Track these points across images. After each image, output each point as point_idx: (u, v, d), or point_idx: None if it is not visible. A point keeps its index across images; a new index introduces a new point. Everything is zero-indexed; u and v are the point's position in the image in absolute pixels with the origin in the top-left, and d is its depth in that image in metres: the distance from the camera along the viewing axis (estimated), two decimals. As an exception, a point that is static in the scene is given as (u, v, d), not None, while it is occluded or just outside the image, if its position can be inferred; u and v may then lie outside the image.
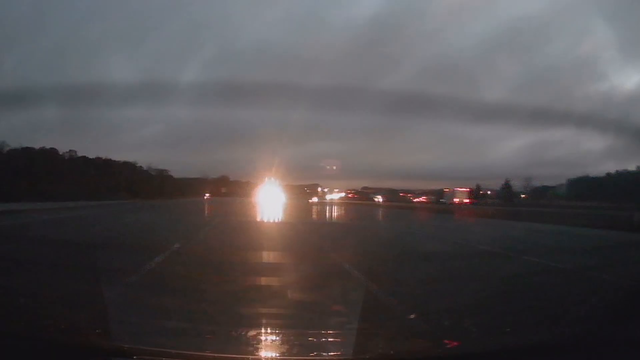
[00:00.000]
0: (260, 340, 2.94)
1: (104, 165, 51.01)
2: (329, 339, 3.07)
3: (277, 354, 2.74)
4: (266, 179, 33.34)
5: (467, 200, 42.72)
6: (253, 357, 2.61)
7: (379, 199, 53.35)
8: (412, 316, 4.66)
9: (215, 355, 2.55)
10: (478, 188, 47.27)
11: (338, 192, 58.01)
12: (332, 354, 2.67)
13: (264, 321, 4.27)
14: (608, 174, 44.69)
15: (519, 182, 46.16)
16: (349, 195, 58.61)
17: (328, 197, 55.16)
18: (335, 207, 43.53)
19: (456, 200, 44.71)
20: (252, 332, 3.12)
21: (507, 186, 44.79)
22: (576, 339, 2.86)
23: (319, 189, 54.92)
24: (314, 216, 29.53)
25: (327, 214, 33.47)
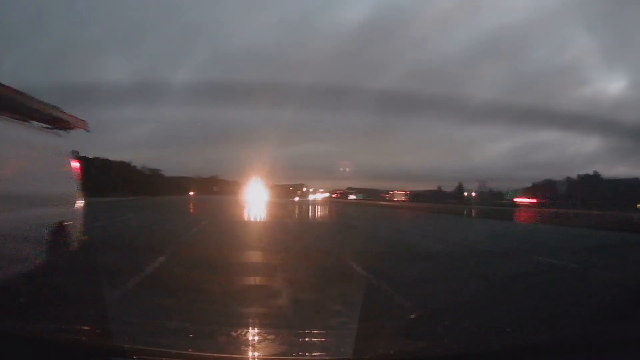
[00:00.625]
0: (260, 340, 2.94)
1: (102, 165, 51.86)
2: (329, 339, 3.07)
3: (277, 354, 2.74)
4: (253, 178, 34.67)
5: (404, 199, 54.61)
6: (253, 357, 2.61)
7: (352, 197, 58.58)
8: (413, 316, 4.66)
9: (215, 355, 2.55)
10: (439, 188, 54.12)
11: (322, 192, 61.17)
12: (332, 354, 2.67)
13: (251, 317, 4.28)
14: (568, 178, 47.14)
15: (478, 184, 52.09)
16: (333, 195, 62.51)
17: (311, 196, 58.04)
18: (310, 205, 47.72)
19: (396, 198, 56.33)
20: (252, 332, 3.12)
21: (459, 188, 49.47)
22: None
23: (304, 189, 57.47)
24: (280, 212, 31.57)
25: (295, 209, 36.63)
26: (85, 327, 3.00)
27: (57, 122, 7.12)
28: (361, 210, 38.72)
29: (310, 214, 31.95)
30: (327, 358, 2.56)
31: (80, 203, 7.34)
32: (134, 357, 2.13)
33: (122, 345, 2.30)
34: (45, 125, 7.00)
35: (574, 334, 3.43)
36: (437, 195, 54.58)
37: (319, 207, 41.53)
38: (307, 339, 3.04)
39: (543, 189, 48.82)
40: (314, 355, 2.67)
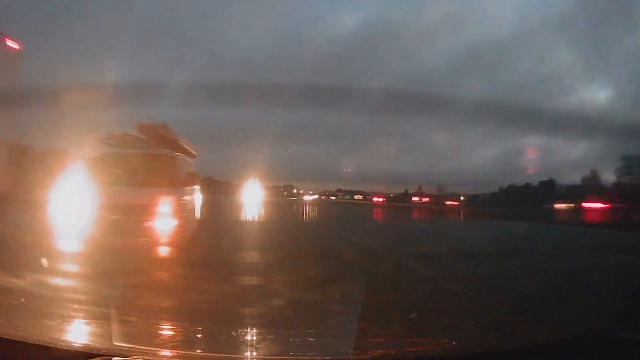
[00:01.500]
0: (260, 340, 2.94)
1: None
2: (329, 339, 3.07)
3: (277, 354, 2.73)
4: (246, 179, 36.05)
5: (381, 201, 59.20)
6: (253, 357, 2.61)
7: (333, 197, 65.75)
8: (413, 316, 4.65)
9: (215, 355, 2.55)
10: (406, 191, 59.70)
11: (312, 193, 64.71)
12: (332, 353, 2.67)
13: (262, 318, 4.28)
14: (527, 184, 49.65)
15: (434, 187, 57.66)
16: (323, 197, 66.49)
17: (303, 197, 62.26)
18: (300, 204, 50.58)
19: (374, 200, 61.09)
20: (252, 332, 3.11)
21: (419, 189, 57.78)
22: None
23: (294, 190, 59.20)
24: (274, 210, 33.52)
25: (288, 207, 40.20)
26: (86, 327, 3.00)
27: (189, 153, 9.94)
28: (339, 207, 46.84)
29: (301, 210, 37.05)
30: (327, 358, 2.56)
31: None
32: (134, 357, 2.13)
33: (122, 345, 2.30)
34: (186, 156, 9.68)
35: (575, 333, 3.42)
36: (403, 197, 59.05)
37: (308, 206, 45.85)
38: (307, 339, 3.03)
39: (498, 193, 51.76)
40: (314, 355, 2.66)
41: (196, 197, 9.50)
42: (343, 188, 65.36)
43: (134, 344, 2.38)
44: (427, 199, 54.17)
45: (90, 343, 2.42)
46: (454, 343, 3.03)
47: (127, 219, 6.94)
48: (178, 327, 3.26)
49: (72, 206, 6.96)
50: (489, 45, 67.75)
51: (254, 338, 2.98)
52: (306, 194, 62.71)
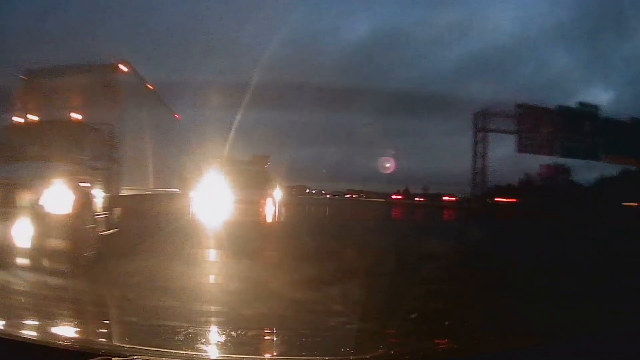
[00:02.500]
0: (260, 340, 2.94)
1: None
2: (329, 339, 3.06)
3: (277, 354, 2.73)
4: None
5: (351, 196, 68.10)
6: (253, 357, 2.61)
7: (340, 196, 70.03)
8: (413, 316, 4.64)
9: (215, 355, 2.55)
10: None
11: (324, 193, 68.13)
12: (332, 354, 2.67)
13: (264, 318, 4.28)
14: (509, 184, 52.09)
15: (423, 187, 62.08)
16: (335, 195, 70.42)
17: (314, 196, 65.58)
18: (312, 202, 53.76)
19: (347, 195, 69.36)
20: (252, 332, 3.11)
21: (406, 190, 62.76)
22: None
23: (307, 190, 61.93)
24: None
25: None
26: (86, 327, 3.00)
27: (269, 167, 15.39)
28: (345, 203, 52.79)
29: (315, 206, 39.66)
30: (327, 358, 2.55)
31: None
32: (134, 357, 2.13)
33: (122, 345, 2.30)
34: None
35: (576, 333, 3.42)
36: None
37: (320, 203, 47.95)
38: (307, 339, 3.03)
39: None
40: (314, 355, 2.66)
41: (278, 194, 13.75)
42: (354, 189, 69.53)
43: (134, 344, 2.38)
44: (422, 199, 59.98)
45: (90, 343, 2.42)
46: (454, 343, 3.03)
47: (248, 207, 11.33)
48: (178, 327, 3.25)
49: (216, 199, 11.52)
50: (492, 52, 69.48)
51: (254, 338, 2.98)
52: (318, 194, 66.23)
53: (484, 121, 27.98)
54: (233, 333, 3.09)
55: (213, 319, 4.24)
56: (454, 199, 51.18)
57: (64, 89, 8.51)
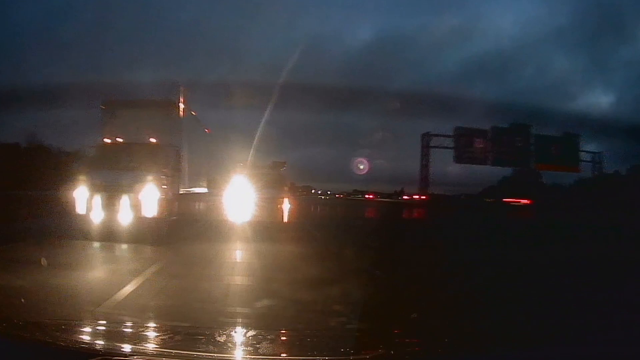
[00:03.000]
0: (260, 340, 2.94)
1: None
2: (329, 339, 3.06)
3: (277, 354, 2.73)
4: None
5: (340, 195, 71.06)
6: (253, 357, 2.61)
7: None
8: (414, 316, 4.65)
9: (215, 355, 2.55)
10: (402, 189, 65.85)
11: (330, 193, 70.55)
12: (332, 354, 2.67)
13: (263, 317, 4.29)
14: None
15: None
16: (341, 195, 73.14)
17: (320, 196, 67.97)
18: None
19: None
20: (252, 332, 3.11)
21: (400, 191, 65.29)
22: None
23: (312, 190, 64.03)
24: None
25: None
26: (86, 327, 3.00)
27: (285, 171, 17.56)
28: (347, 202, 55.87)
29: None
30: (327, 358, 2.55)
31: None
32: (134, 357, 2.13)
33: (122, 345, 2.30)
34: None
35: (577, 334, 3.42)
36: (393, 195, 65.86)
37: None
38: (307, 339, 3.03)
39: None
40: (314, 355, 2.66)
41: (290, 193, 16.42)
42: (359, 189, 70.78)
43: (134, 344, 2.38)
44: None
45: (90, 343, 2.42)
46: (454, 343, 3.03)
47: (268, 204, 13.94)
48: (178, 327, 3.26)
49: (243, 196, 13.95)
50: (492, 55, 70.88)
51: (254, 338, 2.98)
52: (323, 194, 68.54)
53: (428, 140, 37.12)
54: (233, 333, 3.09)
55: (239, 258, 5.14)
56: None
57: (136, 118, 11.57)
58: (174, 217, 11.25)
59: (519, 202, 37.96)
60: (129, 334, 2.73)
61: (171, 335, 2.88)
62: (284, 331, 3.42)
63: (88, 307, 4.12)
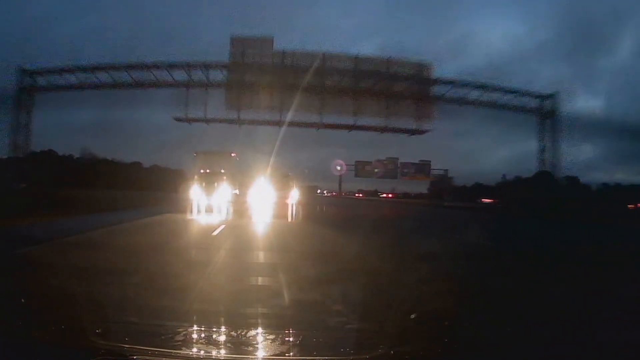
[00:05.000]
0: (261, 340, 2.94)
1: (131, 166, 50.53)
2: (329, 339, 3.06)
3: (277, 354, 2.73)
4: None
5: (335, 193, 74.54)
6: (253, 357, 2.61)
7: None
8: (413, 316, 4.63)
9: (216, 355, 2.55)
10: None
11: (333, 192, 72.56)
12: (332, 354, 2.67)
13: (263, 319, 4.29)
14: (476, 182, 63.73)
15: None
16: (344, 194, 75.59)
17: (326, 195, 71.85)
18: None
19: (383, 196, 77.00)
20: (252, 332, 3.11)
21: (375, 191, 74.90)
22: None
23: (318, 191, 66.57)
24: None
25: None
26: (86, 327, 2.99)
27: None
28: (346, 201, 59.85)
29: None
30: (327, 358, 2.56)
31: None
32: (134, 357, 2.13)
33: (122, 345, 2.30)
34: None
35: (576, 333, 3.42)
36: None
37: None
38: (307, 339, 3.03)
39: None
40: (314, 355, 2.66)
41: (297, 192, 22.33)
42: (364, 188, 75.12)
43: (134, 344, 2.38)
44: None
45: (90, 343, 2.42)
46: (454, 343, 3.03)
47: (280, 201, 19.98)
48: (178, 327, 3.25)
49: (262, 195, 20.29)
50: (484, 67, 73.82)
51: (254, 338, 2.98)
52: (327, 193, 72.29)
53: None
54: (233, 333, 3.09)
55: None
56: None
57: (212, 160, 22.47)
58: (233, 207, 20.55)
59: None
60: (129, 334, 2.73)
61: (171, 335, 2.88)
62: (284, 331, 3.41)
63: (208, 233, 12.30)
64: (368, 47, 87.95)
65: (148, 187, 33.60)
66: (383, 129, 29.44)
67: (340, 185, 59.81)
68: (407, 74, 28.62)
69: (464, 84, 29.40)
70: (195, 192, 20.26)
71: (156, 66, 26.97)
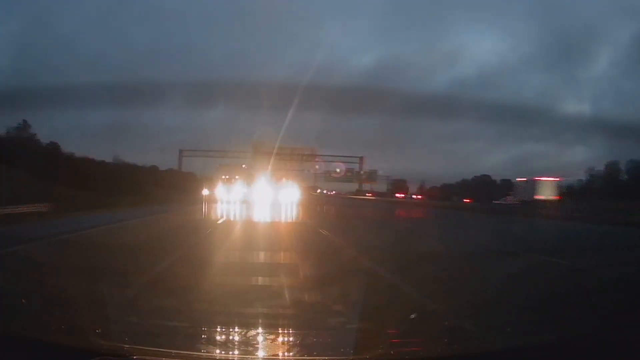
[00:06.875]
0: (261, 340, 2.94)
1: (151, 169, 51.55)
2: (329, 339, 3.06)
3: (278, 354, 2.73)
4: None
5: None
6: (253, 357, 2.61)
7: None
8: (413, 316, 4.63)
9: (216, 355, 2.55)
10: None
11: (335, 192, 75.00)
12: (332, 354, 2.67)
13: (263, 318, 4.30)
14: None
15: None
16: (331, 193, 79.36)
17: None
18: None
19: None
20: (252, 332, 3.11)
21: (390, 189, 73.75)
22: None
23: (318, 190, 68.00)
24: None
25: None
26: (86, 327, 2.99)
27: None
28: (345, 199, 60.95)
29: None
30: (327, 358, 2.55)
31: None
32: (134, 357, 2.13)
33: (122, 345, 2.29)
34: None
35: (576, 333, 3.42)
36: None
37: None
38: (307, 339, 3.03)
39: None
40: (314, 355, 2.66)
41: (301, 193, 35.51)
42: (363, 188, 73.91)
43: (134, 344, 2.38)
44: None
45: (90, 343, 2.42)
46: (454, 343, 3.03)
47: (284, 196, 32.71)
48: (178, 327, 3.25)
49: (266, 194, 32.70)
50: (476, 76, 76.38)
51: (255, 338, 2.98)
52: (328, 192, 73.08)
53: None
54: (233, 333, 3.09)
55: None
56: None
57: (230, 170, 42.44)
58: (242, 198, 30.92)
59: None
60: (129, 333, 2.73)
61: (171, 335, 2.88)
62: (284, 331, 3.42)
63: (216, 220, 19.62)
64: (365, 59, 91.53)
65: (177, 188, 42.39)
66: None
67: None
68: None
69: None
70: (220, 191, 34.52)
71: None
